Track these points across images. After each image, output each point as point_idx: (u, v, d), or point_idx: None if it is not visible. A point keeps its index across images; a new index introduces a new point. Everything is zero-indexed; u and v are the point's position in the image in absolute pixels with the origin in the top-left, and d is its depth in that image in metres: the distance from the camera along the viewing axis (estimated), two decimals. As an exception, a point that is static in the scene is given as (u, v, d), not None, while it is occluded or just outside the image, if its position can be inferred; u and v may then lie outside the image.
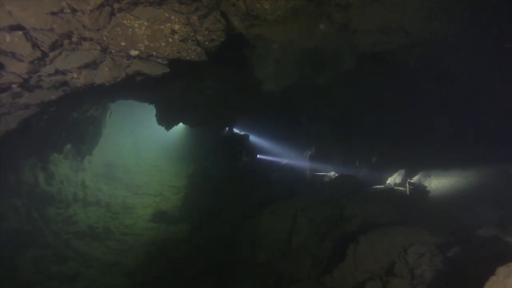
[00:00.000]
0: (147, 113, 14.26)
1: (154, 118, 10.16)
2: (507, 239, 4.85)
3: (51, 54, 3.91)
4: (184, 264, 9.36)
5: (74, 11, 3.71)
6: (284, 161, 10.15)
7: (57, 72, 4.05)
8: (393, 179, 9.03)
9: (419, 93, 9.01)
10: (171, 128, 9.90)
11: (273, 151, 10.01)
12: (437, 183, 8.36)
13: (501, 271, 2.87)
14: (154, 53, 4.43)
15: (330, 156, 9.44)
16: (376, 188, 8.32)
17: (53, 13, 3.60)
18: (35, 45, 3.67)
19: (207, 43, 4.80)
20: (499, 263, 3.31)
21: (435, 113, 9.23)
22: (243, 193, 9.82)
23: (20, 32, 3.50)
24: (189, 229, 11.24)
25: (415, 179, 8.80)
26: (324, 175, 9.07)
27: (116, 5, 3.88)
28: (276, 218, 8.40)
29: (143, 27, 4.16)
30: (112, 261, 9.93)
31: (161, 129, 11.08)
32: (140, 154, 17.14)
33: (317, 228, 7.93)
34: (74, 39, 3.96)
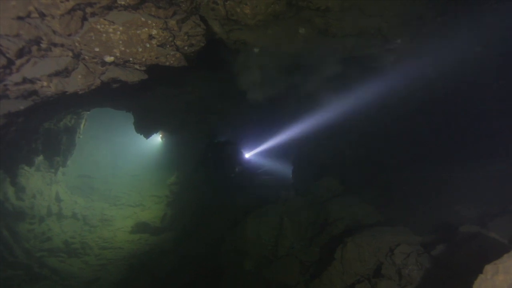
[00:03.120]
0: (124, 121, 13.83)
1: (132, 126, 9.82)
2: (488, 235, 4.99)
3: (18, 62, 3.65)
4: (168, 276, 9.03)
5: (43, 15, 3.49)
6: (268, 165, 10.05)
7: (25, 80, 3.78)
8: None
9: (397, 98, 9.22)
10: (150, 136, 9.60)
11: (257, 156, 9.89)
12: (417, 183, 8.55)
13: (489, 269, 2.89)
14: (130, 59, 4.24)
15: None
16: None
17: (19, 18, 3.36)
18: (-1, 52, 3.41)
19: (186, 48, 4.66)
20: (484, 260, 3.37)
21: (414, 116, 9.47)
22: (229, 200, 9.64)
23: (-18, 38, 3.24)
24: (172, 239, 10.90)
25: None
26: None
27: (88, 9, 3.68)
28: (262, 224, 8.28)
29: (118, 32, 3.97)
30: (91, 277, 9.44)
31: (141, 137, 10.73)
32: (118, 164, 16.57)
33: (304, 233, 7.89)
34: (44, 45, 3.72)
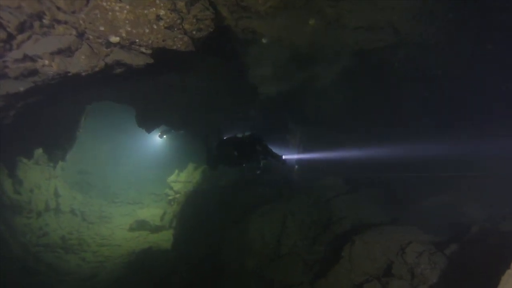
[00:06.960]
0: (125, 118, 13.63)
1: (133, 123, 9.60)
2: (501, 234, 4.80)
3: (19, 37, 3.48)
4: (167, 275, 8.79)
5: (46, -12, 3.32)
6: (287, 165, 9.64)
7: (25, 58, 3.61)
8: None
9: (403, 94, 9.08)
10: (152, 130, 9.40)
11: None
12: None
13: (517, 264, 2.71)
14: (137, 40, 4.07)
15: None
16: None
17: (21, -11, 3.20)
18: (-1, 25, 3.24)
19: (194, 32, 4.49)
20: (502, 258, 3.18)
21: (418, 115, 9.31)
22: (230, 198, 9.45)
23: (-19, 9, 3.07)
24: (172, 238, 10.67)
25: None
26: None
27: (94, -15, 3.53)
28: (264, 223, 8.06)
29: (125, 11, 3.80)
30: (88, 274, 9.19)
31: (141, 134, 10.53)
32: (118, 161, 16.38)
33: (307, 231, 7.67)
34: (46, 21, 3.55)
